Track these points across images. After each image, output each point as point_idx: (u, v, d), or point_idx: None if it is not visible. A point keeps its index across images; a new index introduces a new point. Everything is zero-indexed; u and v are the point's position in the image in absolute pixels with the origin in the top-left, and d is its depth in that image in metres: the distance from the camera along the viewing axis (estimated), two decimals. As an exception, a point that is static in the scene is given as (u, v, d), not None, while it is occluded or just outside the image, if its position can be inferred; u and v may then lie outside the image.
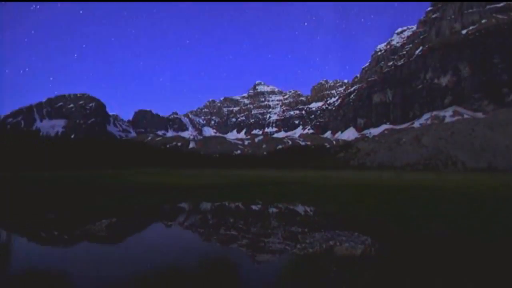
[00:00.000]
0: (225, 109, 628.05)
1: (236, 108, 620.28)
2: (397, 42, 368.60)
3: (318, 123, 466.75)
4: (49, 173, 37.08)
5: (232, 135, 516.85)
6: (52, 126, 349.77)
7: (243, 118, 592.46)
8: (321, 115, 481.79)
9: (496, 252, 4.87)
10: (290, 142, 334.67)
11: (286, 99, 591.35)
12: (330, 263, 4.21)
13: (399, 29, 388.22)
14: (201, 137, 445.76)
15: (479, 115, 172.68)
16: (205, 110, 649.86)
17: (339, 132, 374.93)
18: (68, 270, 4.04)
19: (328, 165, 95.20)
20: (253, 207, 11.16)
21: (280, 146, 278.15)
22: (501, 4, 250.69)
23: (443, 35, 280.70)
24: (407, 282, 3.55)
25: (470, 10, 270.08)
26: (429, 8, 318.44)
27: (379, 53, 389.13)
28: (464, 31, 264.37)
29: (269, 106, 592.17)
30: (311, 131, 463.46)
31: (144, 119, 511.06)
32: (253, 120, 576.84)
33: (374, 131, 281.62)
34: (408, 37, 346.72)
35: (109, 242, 6.39)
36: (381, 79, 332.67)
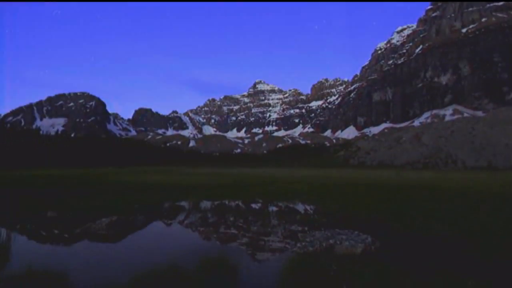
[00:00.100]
0: (225, 108, 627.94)
1: (236, 107, 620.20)
2: (397, 41, 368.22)
3: (318, 122, 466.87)
4: (49, 171, 37.08)
5: (232, 134, 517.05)
6: (52, 125, 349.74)
7: (243, 116, 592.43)
8: (321, 113, 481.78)
9: (496, 252, 4.88)
10: (290, 141, 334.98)
11: (286, 97, 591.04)
12: (330, 261, 4.22)
13: (399, 28, 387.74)
14: (201, 135, 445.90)
15: (479, 113, 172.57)
16: (205, 108, 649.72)
17: (339, 131, 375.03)
18: (69, 269, 4.05)
19: (328, 163, 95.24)
20: (253, 205, 11.18)
21: (280, 145, 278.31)
22: (501, 3, 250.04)
23: (443, 34, 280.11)
24: (407, 281, 3.55)
25: (470, 9, 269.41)
26: (429, 7, 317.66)
27: (379, 51, 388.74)
28: (464, 30, 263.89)
29: (269, 105, 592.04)
30: (311, 129, 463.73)
31: (144, 118, 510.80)
32: (253, 118, 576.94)
33: (374, 130, 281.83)
34: (408, 35, 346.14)
35: (109, 241, 6.40)
36: (381, 78, 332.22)
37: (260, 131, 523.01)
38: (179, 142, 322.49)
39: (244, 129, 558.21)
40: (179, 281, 3.60)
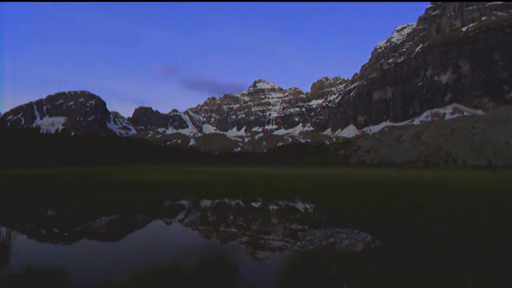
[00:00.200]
0: (225, 107, 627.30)
1: (236, 106, 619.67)
2: (397, 39, 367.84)
3: (318, 121, 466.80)
4: (49, 170, 37.09)
5: (232, 133, 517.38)
6: (52, 124, 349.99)
7: (243, 115, 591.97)
8: (321, 112, 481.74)
9: (496, 251, 4.88)
10: (290, 139, 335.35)
11: (286, 96, 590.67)
12: (330, 260, 4.22)
13: (399, 26, 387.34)
14: (201, 134, 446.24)
15: (479, 112, 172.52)
16: (205, 107, 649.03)
17: (339, 130, 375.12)
18: (69, 267, 4.04)
19: (328, 162, 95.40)
20: (253, 204, 11.18)
21: (280, 143, 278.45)
22: (501, 2, 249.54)
23: (443, 32, 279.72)
24: (407, 280, 3.55)
25: (470, 8, 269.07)
26: (429, 5, 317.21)
27: (379, 50, 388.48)
28: (464, 28, 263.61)
29: (269, 104, 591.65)
30: (311, 128, 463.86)
31: (144, 116, 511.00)
32: (253, 117, 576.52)
33: (374, 128, 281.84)
34: (408, 34, 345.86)
35: (109, 239, 6.40)
36: (381, 76, 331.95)
37: (260, 129, 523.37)
38: (179, 141, 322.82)
39: (244, 128, 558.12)
40: (179, 279, 3.60)
